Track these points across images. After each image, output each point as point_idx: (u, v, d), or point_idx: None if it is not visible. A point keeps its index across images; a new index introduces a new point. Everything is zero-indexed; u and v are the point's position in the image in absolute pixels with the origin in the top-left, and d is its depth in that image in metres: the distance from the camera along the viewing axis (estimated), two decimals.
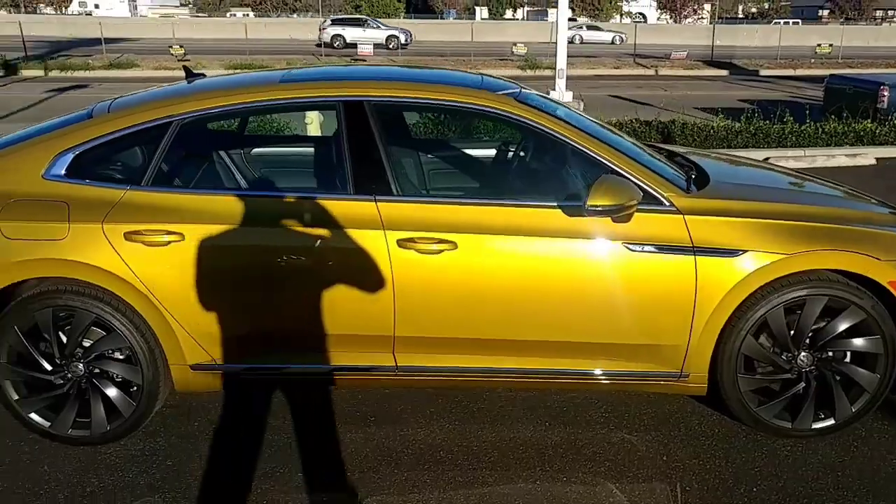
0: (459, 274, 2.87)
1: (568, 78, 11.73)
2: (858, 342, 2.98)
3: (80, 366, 3.00)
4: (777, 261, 2.83)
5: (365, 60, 25.66)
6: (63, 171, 2.97)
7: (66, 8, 66.14)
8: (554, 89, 10.95)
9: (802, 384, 3.02)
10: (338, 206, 2.88)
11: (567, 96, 11.21)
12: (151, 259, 2.86)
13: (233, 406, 3.37)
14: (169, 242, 2.86)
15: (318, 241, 2.86)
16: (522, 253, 2.86)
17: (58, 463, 2.98)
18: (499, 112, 2.97)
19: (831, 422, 3.04)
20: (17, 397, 3.03)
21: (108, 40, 31.57)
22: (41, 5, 67.21)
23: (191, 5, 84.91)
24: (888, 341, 2.92)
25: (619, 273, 2.87)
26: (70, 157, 2.98)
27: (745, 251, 2.84)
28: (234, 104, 3.01)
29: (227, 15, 62.61)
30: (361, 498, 2.73)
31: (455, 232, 2.84)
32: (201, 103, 3.02)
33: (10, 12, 53.51)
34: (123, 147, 3.03)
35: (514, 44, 25.92)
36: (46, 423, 3.04)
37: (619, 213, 2.76)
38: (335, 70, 3.36)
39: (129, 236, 2.85)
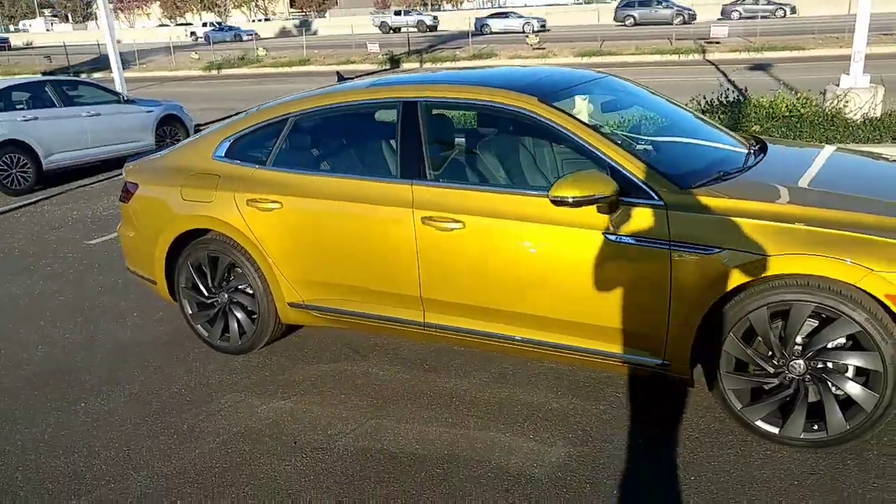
0: (466, 249, 3.39)
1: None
2: (852, 356, 2.82)
3: (225, 295, 4.17)
4: (754, 261, 2.83)
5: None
6: (223, 153, 4.14)
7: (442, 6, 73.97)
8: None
9: (790, 391, 2.95)
10: (384, 188, 3.58)
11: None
12: (261, 220, 3.89)
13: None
14: (272, 209, 3.85)
15: (368, 215, 3.60)
16: (515, 236, 3.27)
17: (204, 356, 4.20)
18: (513, 109, 3.38)
19: (822, 435, 2.91)
20: (191, 312, 4.31)
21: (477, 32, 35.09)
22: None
23: None
24: (888, 359, 2.72)
25: (598, 260, 3.11)
26: (228, 143, 4.14)
27: (722, 249, 2.89)
28: (327, 105, 3.88)
29: None
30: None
31: (464, 213, 3.36)
32: (308, 104, 3.95)
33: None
34: (259, 136, 4.08)
35: None
36: (206, 334, 4.27)
37: (588, 204, 3.01)
38: (411, 76, 4.02)
39: (249, 202, 3.91)
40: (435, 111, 3.63)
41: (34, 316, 5.12)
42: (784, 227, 2.84)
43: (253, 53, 32.22)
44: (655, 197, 3.06)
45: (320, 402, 3.67)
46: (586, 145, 3.22)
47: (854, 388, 2.84)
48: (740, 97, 9.50)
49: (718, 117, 9.14)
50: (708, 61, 23.45)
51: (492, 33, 39.81)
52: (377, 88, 3.85)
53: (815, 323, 2.88)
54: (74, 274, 5.99)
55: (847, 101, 8.89)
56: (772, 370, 2.97)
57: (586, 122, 3.32)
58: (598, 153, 3.19)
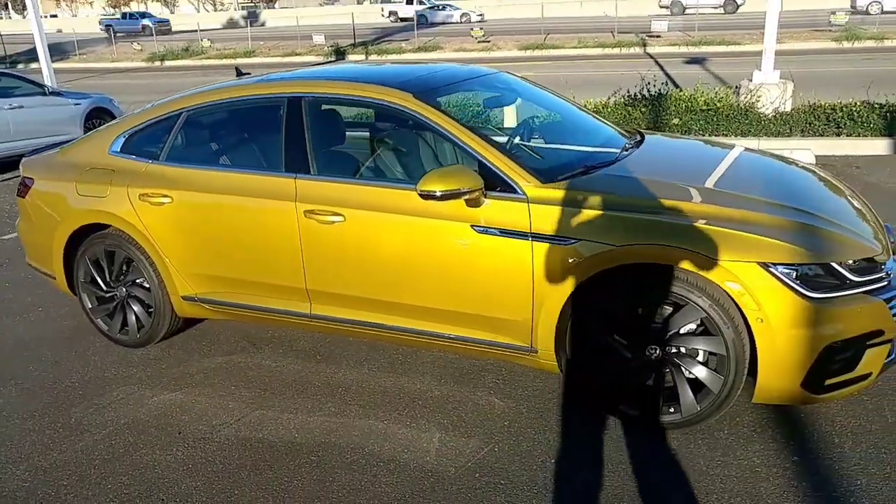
0: (347, 241, 3.49)
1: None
2: (700, 341, 3.00)
3: (123, 289, 4.20)
4: (605, 251, 2.99)
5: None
6: (118, 148, 4.15)
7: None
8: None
9: (648, 375, 3.12)
10: (270, 182, 3.65)
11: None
12: (153, 215, 3.92)
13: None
14: (163, 203, 3.89)
15: (254, 209, 3.67)
16: (392, 228, 3.38)
17: (103, 350, 4.23)
18: (391, 105, 3.49)
19: (677, 417, 3.10)
20: (90, 306, 4.32)
21: (432, 24, 35.03)
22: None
23: None
24: (730, 343, 2.90)
25: (467, 251, 3.24)
26: (123, 138, 4.16)
27: (578, 240, 3.05)
28: (218, 100, 3.94)
29: None
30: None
31: (344, 207, 3.46)
32: (200, 100, 3.99)
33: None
34: (153, 131, 4.10)
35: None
36: (106, 328, 4.29)
37: (454, 198, 3.13)
38: (298, 72, 4.11)
39: (141, 197, 3.94)
40: (319, 107, 3.71)
41: None
42: (633, 217, 3.01)
43: (197, 45, 31.68)
44: (519, 191, 3.20)
45: (209, 394, 3.73)
46: (457, 141, 3.35)
47: (702, 371, 3.03)
48: (661, 91, 9.75)
49: (640, 111, 9.41)
50: (648, 55, 23.90)
51: (430, 25, 39.95)
52: (266, 84, 3.92)
53: (670, 309, 3.05)
54: None
55: (759, 97, 9.23)
56: (629, 355, 3.13)
57: (457, 117, 3.43)
58: (468, 148, 3.32)
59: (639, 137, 4.11)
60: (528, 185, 3.20)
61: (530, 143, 3.90)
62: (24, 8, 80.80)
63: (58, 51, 33.91)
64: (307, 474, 3.03)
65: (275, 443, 3.27)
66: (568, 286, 3.09)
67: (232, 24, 53.91)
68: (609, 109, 9.57)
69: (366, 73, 3.87)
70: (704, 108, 9.24)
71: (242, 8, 55.99)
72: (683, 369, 3.06)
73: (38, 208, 4.35)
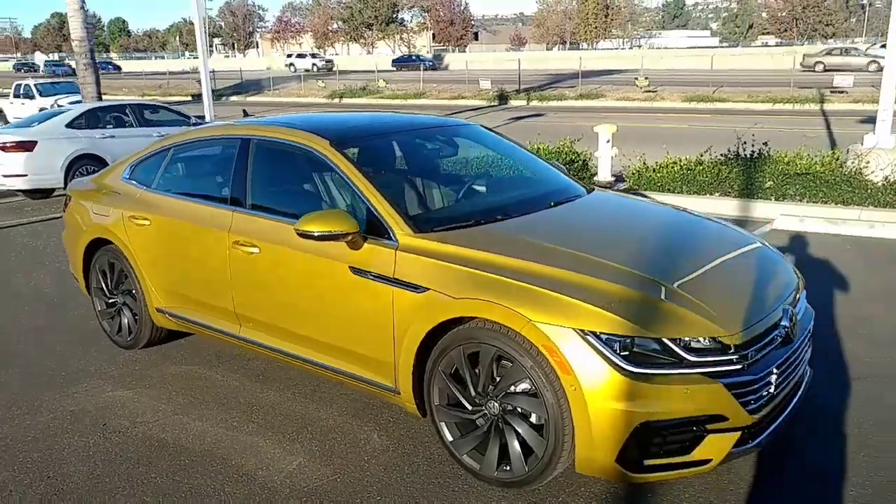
0: (260, 272, 3.84)
1: None
2: (527, 401, 2.99)
3: (119, 297, 4.84)
4: (446, 302, 3.09)
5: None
6: (127, 175, 4.83)
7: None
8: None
9: (483, 430, 3.14)
10: (215, 213, 4.10)
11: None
12: (136, 234, 4.52)
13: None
14: (144, 225, 4.47)
15: (201, 235, 4.13)
16: (292, 263, 3.68)
17: (105, 348, 4.87)
18: (309, 150, 3.80)
19: (510, 475, 3.08)
20: (99, 309, 5.01)
21: (589, 73, 35.43)
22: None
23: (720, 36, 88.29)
24: (549, 407, 2.87)
25: (345, 290, 3.46)
26: (132, 166, 4.83)
27: (427, 289, 3.17)
28: (195, 138, 4.49)
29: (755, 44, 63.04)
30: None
31: (260, 240, 3.81)
32: (185, 137, 4.57)
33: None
34: (151, 162, 4.73)
35: None
36: (108, 329, 4.95)
37: (330, 240, 3.36)
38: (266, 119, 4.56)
39: (130, 219, 4.56)
40: (261, 149, 4.10)
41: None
42: (473, 272, 3.08)
43: (374, 84, 33.98)
44: (393, 237, 3.38)
45: (152, 395, 4.21)
46: (353, 186, 3.60)
47: (528, 433, 3.01)
48: (759, 152, 9.23)
49: (733, 171, 8.98)
50: (823, 112, 22.30)
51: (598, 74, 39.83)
52: (230, 127, 4.42)
53: (505, 367, 3.07)
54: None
55: (868, 162, 8.47)
56: (470, 407, 3.18)
57: (359, 166, 3.66)
58: (361, 194, 3.55)
59: (579, 195, 4.11)
60: (401, 232, 3.37)
61: (428, 194, 4.08)
62: (247, 47, 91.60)
63: (256, 86, 37.93)
64: (169, 474, 3.37)
65: (169, 444, 3.65)
66: (419, 333, 3.21)
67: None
68: (701, 168, 9.21)
69: (308, 120, 4.24)
70: (801, 171, 8.64)
71: (434, 51, 59.04)
72: (515, 428, 3.06)
73: (70, 222, 5.14)
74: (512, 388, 3.03)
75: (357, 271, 3.41)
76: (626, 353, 2.77)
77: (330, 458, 3.47)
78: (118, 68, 70.59)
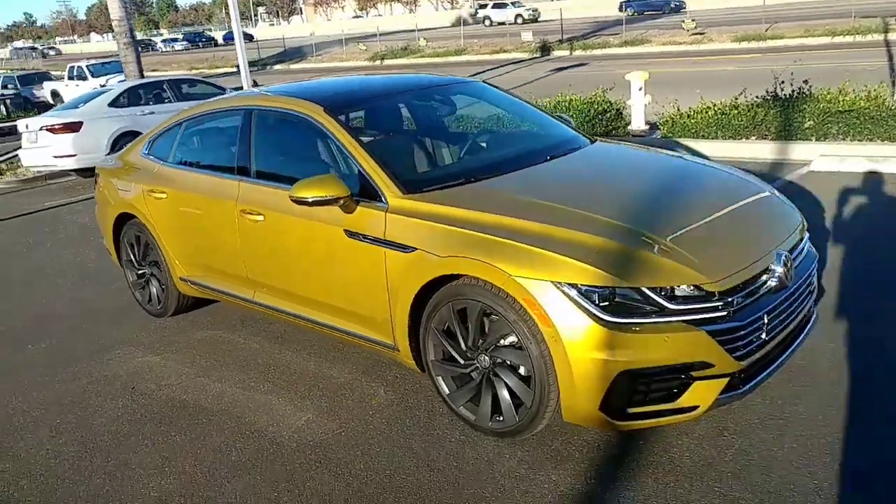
0: (265, 238, 3.98)
1: None
2: (514, 354, 3.06)
3: (147, 268, 5.08)
4: (433, 261, 3.16)
5: None
6: (146, 151, 5.02)
7: None
8: None
9: (476, 383, 3.23)
10: (224, 183, 4.25)
11: None
12: (155, 208, 4.72)
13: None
14: (161, 199, 4.66)
15: (213, 206, 4.29)
16: (292, 229, 3.80)
17: (139, 318, 5.13)
18: (306, 117, 3.88)
19: (502, 425, 3.17)
20: (131, 280, 5.27)
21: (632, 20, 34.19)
22: None
23: None
24: (534, 359, 2.93)
25: (341, 252, 3.57)
26: (150, 142, 5.01)
27: (415, 249, 3.25)
28: (204, 111, 4.63)
29: None
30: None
31: (264, 208, 3.95)
32: (195, 111, 4.72)
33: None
34: (166, 137, 4.89)
35: None
36: (139, 299, 5.21)
37: (324, 205, 3.45)
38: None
39: (149, 193, 4.75)
40: (262, 118, 4.20)
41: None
42: (457, 230, 3.14)
43: (415, 44, 33.75)
44: (383, 200, 3.45)
45: (178, 360, 4.44)
46: (346, 151, 3.68)
47: (517, 384, 3.08)
48: (799, 90, 8.88)
49: (769, 113, 8.69)
50: (886, 42, 21.18)
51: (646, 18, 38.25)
52: (235, 98, 4.54)
53: (495, 320, 3.13)
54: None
55: None
56: (462, 361, 3.27)
57: (351, 131, 3.74)
58: (353, 158, 3.63)
59: (579, 147, 4.10)
60: (391, 194, 3.45)
61: (452, 152, 4.10)
62: (290, 14, 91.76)
63: (298, 53, 38.12)
64: (188, 432, 3.58)
65: (189, 405, 3.87)
66: (411, 292, 3.30)
67: (459, 22, 56.20)
68: (736, 112, 8.94)
69: (306, 88, 4.32)
70: (844, 108, 8.30)
71: (480, 6, 57.69)
72: (505, 380, 3.13)
73: (100, 199, 5.38)
74: (500, 341, 3.11)
75: (351, 234, 3.51)
76: (607, 303, 2.80)
77: (337, 413, 3.62)
78: (213, 41, 68.60)
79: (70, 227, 8.43)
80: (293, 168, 4.08)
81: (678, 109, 9.40)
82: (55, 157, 10.80)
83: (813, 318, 3.52)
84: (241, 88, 12.97)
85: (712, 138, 8.83)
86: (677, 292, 2.84)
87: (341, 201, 3.47)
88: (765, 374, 3.05)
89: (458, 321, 3.21)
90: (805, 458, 2.92)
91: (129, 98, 11.49)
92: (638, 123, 9.80)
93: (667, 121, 9.35)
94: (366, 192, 3.53)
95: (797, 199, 6.47)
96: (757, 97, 9.10)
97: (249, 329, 4.80)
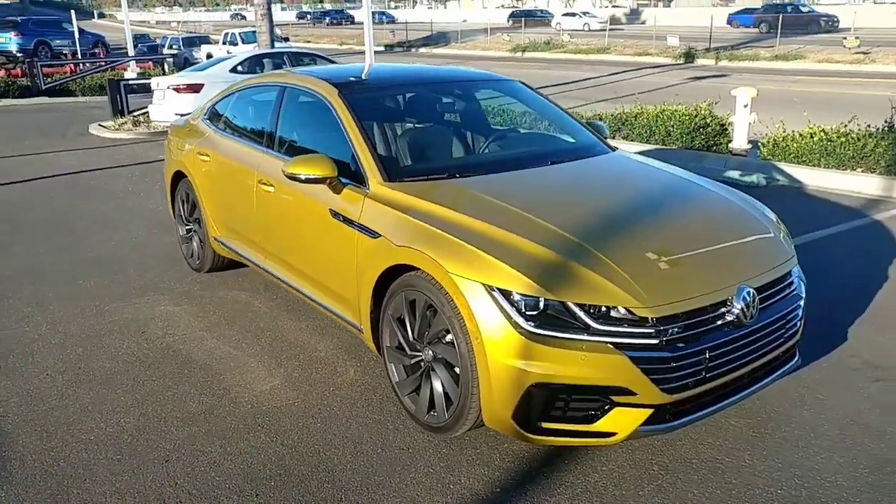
0: (274, 209, 4.17)
1: None
2: (447, 351, 3.06)
3: (192, 225, 5.44)
4: (390, 250, 3.22)
5: None
6: (207, 116, 5.36)
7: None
8: None
9: (418, 374, 3.26)
10: (251, 153, 4.48)
11: None
12: (199, 168, 5.05)
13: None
14: (205, 160, 4.98)
15: (241, 172, 4.54)
16: (294, 202, 3.96)
17: (180, 270, 5.52)
18: (321, 97, 4.02)
19: (434, 420, 3.18)
20: (180, 234, 5.66)
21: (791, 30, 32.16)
22: None
23: None
24: (462, 356, 2.92)
25: (326, 231, 3.69)
26: (211, 107, 5.35)
27: (380, 235, 3.31)
28: (251, 84, 4.88)
29: None
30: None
31: (275, 180, 4.14)
32: (246, 83, 4.99)
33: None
34: (221, 105, 5.20)
35: None
36: (184, 252, 5.59)
37: (315, 183, 3.57)
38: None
39: (197, 154, 5.09)
40: (291, 95, 4.39)
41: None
42: (413, 221, 3.17)
43: (558, 39, 33.38)
44: (366, 185, 3.54)
45: (193, 313, 4.74)
46: (345, 133, 3.79)
47: (448, 381, 3.09)
48: None
49: (880, 144, 7.99)
50: None
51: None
52: (276, 75, 4.77)
53: (436, 314, 3.13)
54: None
55: None
56: (409, 352, 3.30)
57: (356, 115, 3.82)
58: (350, 141, 3.74)
59: (591, 155, 4.01)
60: (374, 180, 3.53)
61: (452, 147, 4.10)
62: None
63: (443, 39, 38.69)
64: (167, 379, 3.84)
65: (182, 354, 4.14)
66: (372, 277, 3.37)
67: (613, 20, 54.86)
68: (843, 140, 8.26)
69: (338, 70, 4.44)
70: None
71: (638, 5, 56.01)
72: (441, 376, 3.14)
73: (167, 155, 5.80)
74: (443, 337, 3.11)
75: (334, 214, 3.62)
76: (533, 312, 2.75)
77: (301, 385, 3.76)
78: (392, 19, 68.57)
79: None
80: (305, 145, 4.24)
81: (784, 131, 8.82)
82: (177, 114, 11.64)
83: (793, 362, 3.27)
84: (333, 61, 13.42)
85: (814, 165, 8.24)
86: (611, 313, 2.74)
87: (329, 181, 3.59)
88: (704, 412, 2.89)
89: (410, 311, 3.25)
90: None
91: (250, 66, 12.19)
92: (740, 142, 9.27)
93: (768, 142, 8.80)
94: (356, 176, 3.63)
95: (873, 240, 5.96)
96: (869, 126, 8.38)
97: (269, 295, 5.03)
